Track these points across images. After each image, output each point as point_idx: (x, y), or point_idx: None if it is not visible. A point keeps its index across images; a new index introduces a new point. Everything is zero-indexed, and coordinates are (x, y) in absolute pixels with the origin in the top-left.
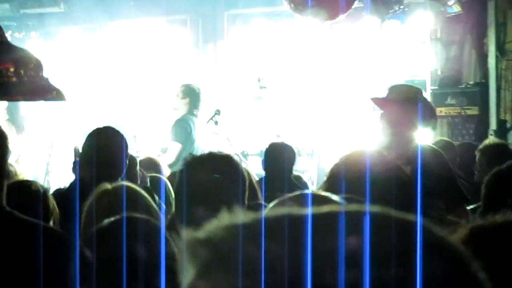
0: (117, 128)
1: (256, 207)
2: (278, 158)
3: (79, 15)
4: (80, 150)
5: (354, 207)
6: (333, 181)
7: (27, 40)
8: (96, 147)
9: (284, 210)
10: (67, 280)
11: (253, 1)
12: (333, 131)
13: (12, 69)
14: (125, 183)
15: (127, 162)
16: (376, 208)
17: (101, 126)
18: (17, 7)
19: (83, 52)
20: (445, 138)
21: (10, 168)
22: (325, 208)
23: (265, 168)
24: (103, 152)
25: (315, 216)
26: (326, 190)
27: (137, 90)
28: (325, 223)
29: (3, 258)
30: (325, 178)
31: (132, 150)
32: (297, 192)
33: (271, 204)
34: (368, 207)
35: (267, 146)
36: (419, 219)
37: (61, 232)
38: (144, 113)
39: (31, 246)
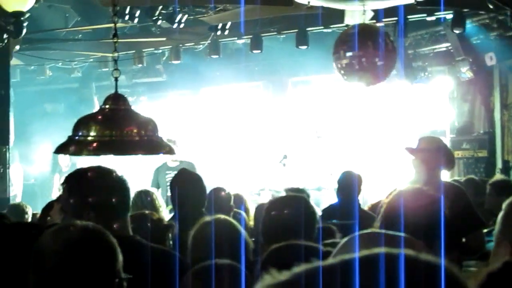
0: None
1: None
2: (350, 187)
3: (178, 83)
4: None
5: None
6: (389, 218)
7: (138, 103)
8: (191, 187)
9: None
10: None
11: (311, 71)
12: (374, 170)
13: (135, 131)
14: (223, 216)
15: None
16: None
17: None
18: (130, 77)
19: (182, 112)
20: (471, 176)
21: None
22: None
23: (338, 196)
24: (195, 190)
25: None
26: (385, 226)
27: (227, 140)
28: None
29: (137, 284)
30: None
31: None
32: (368, 231)
33: (345, 240)
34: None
35: (341, 176)
36: (443, 263)
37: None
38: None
39: (163, 272)
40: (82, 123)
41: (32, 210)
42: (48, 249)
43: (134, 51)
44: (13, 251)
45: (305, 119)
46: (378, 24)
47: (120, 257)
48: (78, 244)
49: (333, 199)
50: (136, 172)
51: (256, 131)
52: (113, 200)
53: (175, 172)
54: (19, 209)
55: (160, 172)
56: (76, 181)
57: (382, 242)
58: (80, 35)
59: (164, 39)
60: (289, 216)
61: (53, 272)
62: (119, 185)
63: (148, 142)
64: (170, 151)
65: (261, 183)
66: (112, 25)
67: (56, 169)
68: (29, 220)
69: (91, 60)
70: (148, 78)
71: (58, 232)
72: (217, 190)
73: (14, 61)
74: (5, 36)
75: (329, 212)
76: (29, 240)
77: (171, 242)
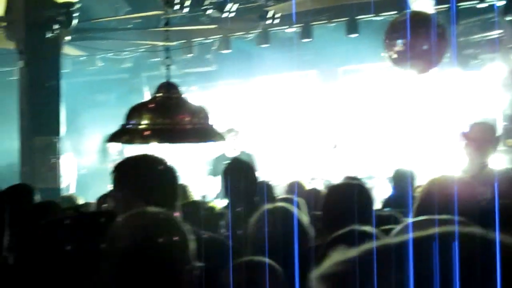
0: None
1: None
2: (404, 180)
3: (228, 73)
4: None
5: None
6: (425, 203)
7: (188, 93)
8: (243, 176)
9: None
10: None
11: (361, 59)
12: (426, 158)
13: (187, 119)
14: (282, 204)
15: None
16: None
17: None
18: (180, 67)
19: (231, 101)
20: None
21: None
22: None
23: (394, 188)
24: (247, 180)
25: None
26: (419, 211)
27: (278, 129)
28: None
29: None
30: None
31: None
32: (424, 217)
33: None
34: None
35: (394, 172)
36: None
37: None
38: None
39: (215, 260)
40: (135, 112)
41: (84, 200)
42: (120, 235)
43: (184, 41)
44: (87, 239)
45: (355, 107)
46: (429, 12)
47: (192, 245)
48: (151, 230)
49: (384, 187)
50: (185, 160)
51: (307, 120)
52: (162, 188)
53: None
54: (70, 201)
55: (219, 161)
56: (124, 170)
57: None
58: (130, 25)
59: (214, 26)
60: (348, 203)
61: (126, 258)
62: (168, 173)
63: (200, 130)
64: (220, 137)
65: (313, 172)
66: (159, 12)
67: (106, 158)
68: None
69: (142, 50)
70: (198, 68)
71: (130, 219)
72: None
73: (65, 52)
74: (55, 26)
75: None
76: (101, 228)
77: (223, 230)
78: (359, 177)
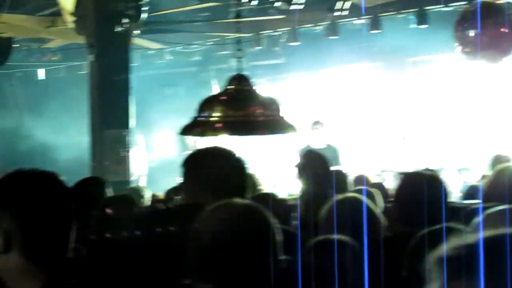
0: None
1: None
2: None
3: (296, 65)
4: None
5: None
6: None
7: (257, 85)
8: (317, 168)
9: None
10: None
11: (431, 50)
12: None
13: (259, 111)
14: (354, 194)
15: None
16: None
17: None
18: (249, 60)
19: (300, 93)
20: None
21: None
22: None
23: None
24: (320, 172)
25: None
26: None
27: (351, 121)
28: None
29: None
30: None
31: None
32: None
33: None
34: None
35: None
36: None
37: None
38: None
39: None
40: (206, 104)
41: (151, 193)
42: (206, 226)
43: (252, 34)
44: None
45: (425, 98)
46: (500, 1)
47: (279, 238)
48: (237, 221)
49: (454, 179)
50: (255, 153)
51: (376, 112)
52: (231, 181)
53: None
54: (136, 192)
55: None
56: (193, 162)
57: None
58: (199, 18)
59: (283, 16)
60: (421, 194)
61: (211, 249)
62: (236, 166)
63: (271, 122)
64: (292, 129)
65: (383, 164)
66: (228, 3)
67: (185, 149)
68: (146, 203)
69: (210, 43)
70: (266, 60)
71: (217, 210)
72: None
73: (137, 43)
74: (125, 20)
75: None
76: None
77: (295, 222)
78: (431, 168)
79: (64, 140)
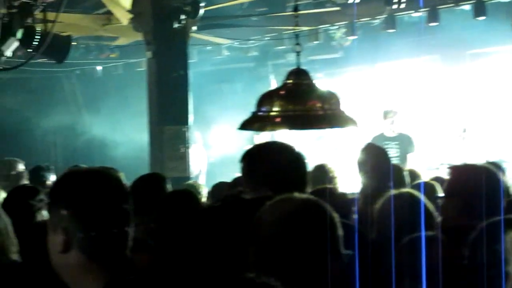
0: None
1: None
2: None
3: (354, 59)
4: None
5: None
6: None
7: (314, 79)
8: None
9: None
10: None
11: (490, 42)
12: None
13: (318, 105)
14: (408, 190)
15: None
16: None
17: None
18: (306, 55)
19: (357, 86)
20: None
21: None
22: None
23: None
24: (380, 164)
25: None
26: None
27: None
28: None
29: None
30: None
31: None
32: None
33: None
34: None
35: None
36: None
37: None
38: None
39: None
40: (265, 99)
41: (208, 189)
42: (267, 220)
43: (309, 28)
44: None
45: (485, 91)
46: None
47: (340, 232)
48: (297, 216)
49: None
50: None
51: (435, 105)
52: (290, 175)
53: (395, 142)
54: (194, 189)
55: (377, 142)
56: (253, 157)
57: None
58: (255, 13)
59: (338, 8)
60: (482, 187)
61: (272, 244)
62: (296, 160)
63: (331, 116)
64: (353, 123)
65: (440, 157)
66: None
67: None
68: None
69: (267, 38)
70: (324, 55)
71: (277, 204)
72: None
73: (193, 39)
74: (182, 17)
75: None
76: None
77: (355, 216)
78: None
79: (122, 137)
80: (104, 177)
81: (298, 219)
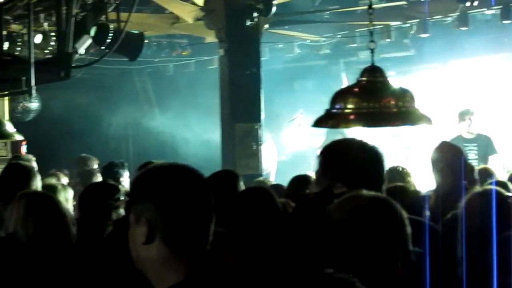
0: None
1: None
2: None
3: (426, 57)
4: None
5: None
6: None
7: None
8: (451, 159)
9: None
10: None
11: None
12: None
13: (392, 102)
14: (495, 187)
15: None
16: None
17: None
18: (378, 52)
19: (430, 85)
20: None
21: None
22: None
23: None
24: (454, 163)
25: None
26: None
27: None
28: None
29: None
30: None
31: None
32: None
33: None
34: None
35: None
36: None
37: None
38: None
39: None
40: (339, 96)
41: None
42: (335, 217)
43: (381, 26)
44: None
45: None
46: None
47: (408, 230)
48: (365, 213)
49: None
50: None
51: (508, 104)
52: (366, 172)
53: (473, 144)
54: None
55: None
56: (329, 153)
57: None
58: (327, 14)
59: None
60: None
61: (339, 240)
62: (373, 157)
63: (405, 113)
64: (428, 121)
65: None
66: None
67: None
68: None
69: (339, 36)
70: (395, 52)
71: (345, 201)
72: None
73: (263, 40)
74: (255, 14)
75: None
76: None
77: (427, 213)
78: None
79: (193, 135)
80: (190, 172)
81: (366, 217)
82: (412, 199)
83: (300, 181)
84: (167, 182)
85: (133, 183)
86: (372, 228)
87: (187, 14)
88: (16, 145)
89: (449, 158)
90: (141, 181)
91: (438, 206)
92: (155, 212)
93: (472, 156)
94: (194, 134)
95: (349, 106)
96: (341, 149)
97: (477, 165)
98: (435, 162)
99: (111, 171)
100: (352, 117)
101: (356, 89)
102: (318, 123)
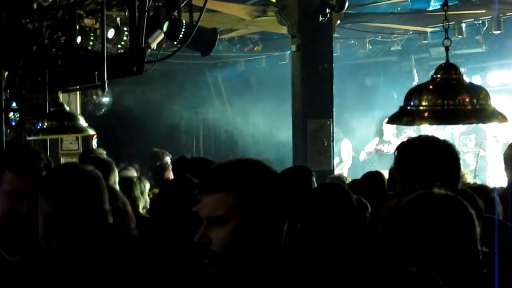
0: None
1: None
2: None
3: (498, 54)
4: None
5: None
6: None
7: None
8: None
9: None
10: None
11: None
12: None
13: (467, 99)
14: None
15: None
16: None
17: None
18: (450, 49)
19: (502, 81)
20: None
21: None
22: None
23: None
24: None
25: None
26: None
27: None
28: None
29: None
30: None
31: None
32: None
33: None
34: None
35: None
36: None
37: None
38: None
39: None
40: (414, 93)
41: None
42: (405, 216)
43: (453, 23)
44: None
45: None
46: None
47: (478, 230)
48: (437, 211)
49: None
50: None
51: None
52: (439, 170)
53: None
54: (339, 181)
55: None
56: (404, 151)
57: None
58: (399, 8)
59: (483, 11)
60: None
61: (409, 238)
62: (448, 156)
63: (480, 111)
64: (503, 119)
65: None
66: None
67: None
68: None
69: (410, 32)
70: (467, 49)
71: (416, 199)
72: None
73: (335, 35)
74: (327, 10)
75: None
76: None
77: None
78: None
79: (264, 130)
80: (268, 167)
81: (437, 215)
82: (485, 197)
83: (372, 177)
84: (250, 175)
85: (211, 175)
86: (441, 226)
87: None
88: (86, 139)
89: None
90: (223, 173)
91: (509, 203)
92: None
93: None
94: (266, 130)
95: (424, 103)
96: (414, 147)
97: None
98: (507, 160)
99: (181, 165)
100: (426, 114)
101: (431, 86)
102: (393, 120)
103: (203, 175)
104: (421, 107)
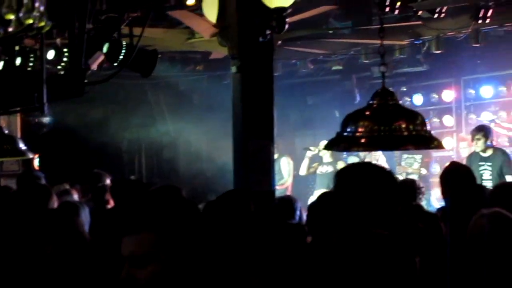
0: None
1: None
2: None
3: (438, 73)
4: None
5: None
6: None
7: (398, 94)
8: None
9: None
10: None
11: None
12: None
13: (403, 125)
14: None
15: None
16: None
17: None
18: (390, 68)
19: (443, 100)
20: None
21: None
22: None
23: None
24: None
25: None
26: None
27: None
28: None
29: None
30: None
31: None
32: None
33: None
34: None
35: None
36: None
37: None
38: None
39: None
40: (351, 119)
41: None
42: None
43: (395, 43)
44: None
45: None
46: None
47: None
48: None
49: None
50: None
51: None
52: (379, 194)
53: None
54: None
55: (473, 161)
56: (344, 176)
57: None
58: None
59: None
60: None
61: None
62: (385, 180)
63: (416, 137)
64: (439, 145)
65: None
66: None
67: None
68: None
69: (352, 52)
70: (409, 68)
71: (492, 215)
72: None
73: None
74: (268, 32)
75: None
76: None
77: None
78: None
79: (207, 149)
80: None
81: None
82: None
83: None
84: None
85: None
86: (492, 243)
87: (204, 30)
88: (27, 160)
89: None
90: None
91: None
92: None
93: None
94: (207, 149)
95: (360, 129)
96: (356, 172)
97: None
98: (441, 178)
99: (119, 189)
100: (363, 140)
101: (367, 113)
102: (330, 146)
103: (123, 216)
104: (357, 133)
